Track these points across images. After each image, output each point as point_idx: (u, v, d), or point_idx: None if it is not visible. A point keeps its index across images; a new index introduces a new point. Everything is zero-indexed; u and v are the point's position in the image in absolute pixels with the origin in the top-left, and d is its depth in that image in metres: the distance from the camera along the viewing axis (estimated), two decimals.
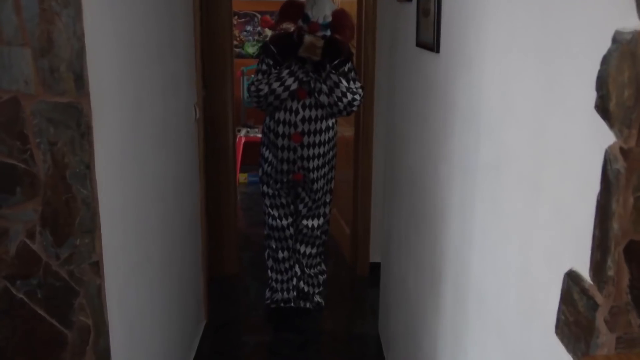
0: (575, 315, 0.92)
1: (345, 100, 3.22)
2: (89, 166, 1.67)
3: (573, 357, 0.93)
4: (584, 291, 0.90)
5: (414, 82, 2.36)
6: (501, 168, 1.32)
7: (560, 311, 0.98)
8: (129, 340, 2.01)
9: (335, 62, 3.25)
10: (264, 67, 3.30)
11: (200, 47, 3.36)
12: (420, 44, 2.19)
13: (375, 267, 4.04)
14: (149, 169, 2.24)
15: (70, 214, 1.69)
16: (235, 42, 5.03)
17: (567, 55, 1.01)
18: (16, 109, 1.63)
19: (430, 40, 2.00)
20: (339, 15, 3.31)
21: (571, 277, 0.94)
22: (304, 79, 3.22)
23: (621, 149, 0.80)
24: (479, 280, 1.50)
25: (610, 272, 0.82)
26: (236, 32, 6.13)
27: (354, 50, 3.86)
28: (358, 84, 3.31)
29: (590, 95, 0.91)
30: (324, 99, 3.24)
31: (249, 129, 6.25)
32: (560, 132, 1.03)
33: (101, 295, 1.76)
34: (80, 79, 1.62)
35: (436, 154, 1.96)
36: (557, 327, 1.00)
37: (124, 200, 1.96)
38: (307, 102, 3.29)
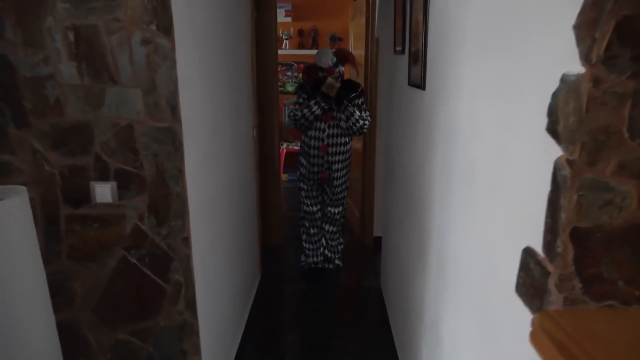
0: (531, 279, 0.88)
1: (357, 125, 3.21)
2: (181, 170, 1.66)
3: (529, 310, 0.89)
4: (538, 263, 0.86)
5: (406, 111, 2.32)
6: (471, 173, 1.28)
7: (519, 276, 0.94)
8: (209, 291, 2.00)
9: (352, 95, 3.24)
10: (300, 100, 3.31)
11: (257, 85, 3.35)
12: (411, 84, 2.15)
13: (378, 240, 4.00)
14: (221, 171, 2.23)
15: (167, 204, 1.69)
16: (279, 83, 5.01)
17: (519, 94, 0.97)
18: (130, 132, 1.63)
19: (418, 81, 1.96)
20: (340, 52, 3.32)
21: (528, 252, 0.90)
22: (325, 107, 3.21)
23: (567, 160, 0.76)
24: (456, 252, 1.45)
25: (559, 250, 0.78)
26: (280, 76, 6.12)
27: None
28: (367, 113, 3.28)
29: (537, 122, 0.87)
30: (342, 124, 3.24)
31: (288, 143, 6.25)
32: (515, 149, 0.99)
33: (189, 260, 1.75)
34: (174, 110, 1.61)
35: (423, 161, 1.92)
36: (517, 287, 0.96)
37: (205, 194, 1.94)
38: (331, 123, 3.28)
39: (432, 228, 1.76)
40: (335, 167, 3.36)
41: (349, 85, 3.26)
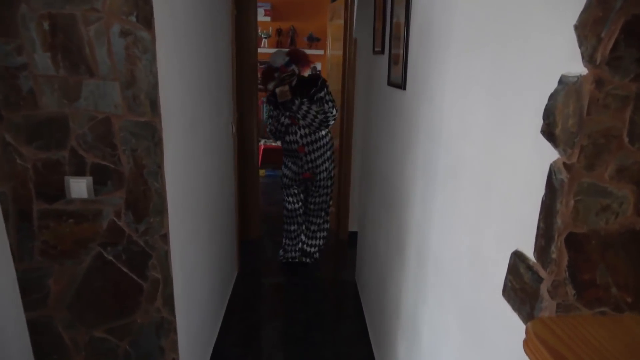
0: (521, 284, 0.83)
1: (316, 121, 3.18)
2: (160, 166, 1.57)
3: (518, 315, 0.84)
4: (529, 267, 0.81)
5: (385, 110, 2.26)
6: (456, 172, 1.23)
7: (507, 279, 0.89)
8: (187, 287, 1.91)
9: (312, 91, 3.18)
10: (270, 112, 3.33)
11: (236, 83, 3.26)
12: (391, 84, 2.09)
13: (353, 234, 3.97)
14: (201, 167, 2.13)
15: (146, 200, 1.59)
16: (258, 81, 4.89)
17: (513, 93, 0.91)
18: (108, 125, 1.52)
19: (399, 81, 1.90)
20: (292, 53, 3.29)
21: (517, 256, 0.86)
22: (290, 114, 3.20)
23: (564, 164, 0.71)
24: (437, 249, 1.40)
25: (554, 255, 0.73)
26: (258, 74, 5.99)
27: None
28: (331, 104, 3.21)
29: (531, 124, 0.82)
30: (302, 122, 3.21)
31: (266, 140, 6.14)
32: (507, 149, 0.94)
33: (168, 257, 1.65)
34: (154, 105, 1.51)
35: (402, 160, 1.86)
36: (504, 290, 0.91)
37: (184, 190, 1.85)
38: (301, 124, 3.25)
39: (411, 225, 1.71)
40: (317, 163, 3.32)
41: (307, 82, 3.23)
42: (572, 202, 0.69)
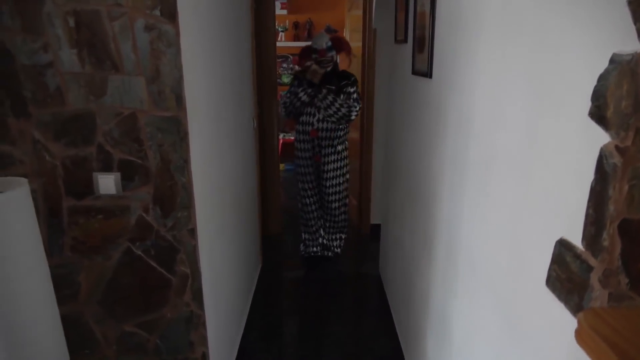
0: (568, 273, 0.80)
1: (339, 113, 3.10)
2: (187, 161, 1.57)
3: (565, 306, 0.81)
4: (577, 256, 0.77)
5: (410, 100, 2.22)
6: (491, 162, 1.19)
7: (551, 269, 0.86)
8: (214, 281, 1.91)
9: (343, 83, 3.14)
10: (292, 88, 3.22)
11: (256, 78, 3.25)
12: (415, 72, 2.05)
13: (375, 228, 3.94)
14: (225, 161, 2.13)
15: (173, 195, 1.59)
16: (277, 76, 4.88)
17: (555, 76, 0.88)
18: (134, 121, 1.52)
19: (424, 69, 1.87)
20: (336, 39, 3.20)
21: (563, 244, 0.82)
22: (312, 94, 3.12)
23: (617, 147, 0.67)
24: (469, 242, 1.37)
25: (605, 243, 0.70)
26: (278, 69, 6.00)
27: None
28: (356, 102, 3.15)
29: (576, 106, 0.79)
30: (322, 113, 3.14)
31: (285, 134, 6.13)
32: (549, 135, 0.90)
33: (196, 252, 1.66)
34: (179, 99, 1.51)
35: (429, 151, 1.83)
36: (547, 281, 0.88)
37: (210, 185, 1.85)
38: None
39: (440, 218, 1.68)
40: (324, 151, 3.26)
41: (341, 75, 3.17)
42: (626, 188, 0.66)
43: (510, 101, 1.07)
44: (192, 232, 1.63)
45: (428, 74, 1.81)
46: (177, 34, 1.46)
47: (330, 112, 3.10)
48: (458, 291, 1.47)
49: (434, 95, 1.76)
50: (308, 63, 3.09)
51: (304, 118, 3.21)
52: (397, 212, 2.57)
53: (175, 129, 1.53)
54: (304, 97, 3.12)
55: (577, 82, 0.79)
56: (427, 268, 1.86)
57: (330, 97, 3.08)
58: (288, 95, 3.19)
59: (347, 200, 3.55)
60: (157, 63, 1.47)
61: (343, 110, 3.09)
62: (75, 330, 1.71)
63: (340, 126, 3.24)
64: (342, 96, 3.11)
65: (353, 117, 3.18)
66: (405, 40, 2.28)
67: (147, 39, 1.45)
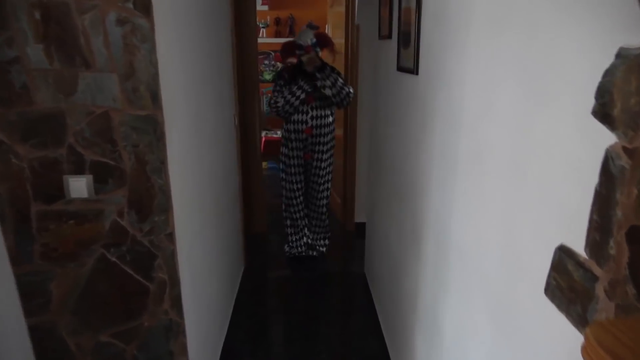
0: (569, 282, 0.75)
1: (343, 92, 3.06)
2: (164, 162, 1.49)
3: (566, 317, 0.76)
4: (579, 264, 0.73)
5: (395, 96, 2.17)
6: (483, 157, 1.14)
7: (550, 277, 0.82)
8: (195, 287, 1.83)
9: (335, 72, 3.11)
10: (278, 87, 3.15)
11: (237, 75, 3.17)
12: (400, 69, 2.00)
13: (360, 225, 3.89)
14: (205, 161, 2.05)
15: (150, 198, 1.51)
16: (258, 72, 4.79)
17: (550, 70, 0.83)
18: (107, 120, 1.44)
19: (410, 65, 1.82)
20: (320, 35, 3.14)
21: (563, 251, 0.78)
22: (308, 89, 3.05)
23: (625, 148, 0.62)
24: (460, 239, 1.32)
25: (612, 251, 0.65)
26: (260, 65, 5.91)
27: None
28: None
29: (574, 103, 0.74)
30: (328, 91, 3.05)
31: (267, 131, 6.04)
32: (543, 132, 0.86)
33: (174, 257, 1.58)
34: (155, 97, 1.43)
35: (416, 147, 1.78)
36: (546, 289, 0.83)
37: (189, 186, 1.77)
38: (314, 105, 3.12)
39: (428, 214, 1.64)
40: (318, 148, 3.22)
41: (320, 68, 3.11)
42: (635, 192, 0.61)
43: (501, 95, 1.03)
44: (170, 236, 1.55)
45: (414, 71, 1.76)
46: (152, 28, 1.37)
47: (335, 90, 3.04)
48: (449, 290, 1.42)
49: (420, 91, 1.72)
50: (304, 57, 3.00)
51: (296, 116, 3.15)
52: (384, 209, 2.52)
53: (152, 129, 1.45)
54: (302, 95, 3.05)
55: (573, 75, 0.75)
56: (415, 265, 1.81)
57: (334, 75, 3.04)
58: (282, 95, 3.09)
59: (329, 200, 3.50)
60: (131, 59, 1.39)
61: (346, 89, 3.07)
62: (48, 342, 1.62)
63: (331, 118, 3.18)
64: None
65: (350, 100, 3.17)
66: (389, 36, 2.22)
67: (119, 33, 1.36)
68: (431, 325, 1.61)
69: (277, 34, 5.94)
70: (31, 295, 1.56)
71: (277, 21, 5.97)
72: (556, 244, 0.80)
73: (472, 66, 1.20)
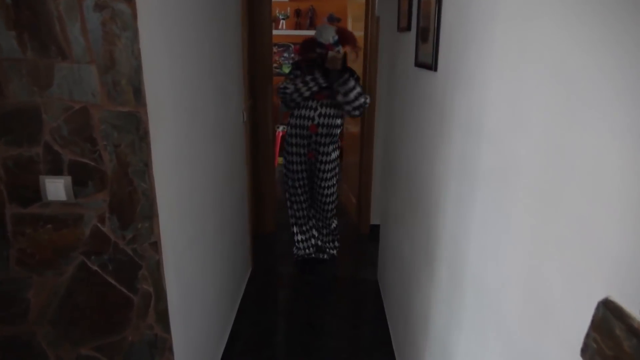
0: (617, 351, 0.57)
1: (357, 102, 2.86)
2: (147, 164, 1.34)
3: None
4: (632, 331, 0.55)
5: (412, 95, 1.98)
6: (508, 175, 0.96)
7: (589, 337, 0.63)
8: (184, 300, 1.69)
9: (356, 76, 2.91)
10: (292, 75, 2.96)
11: (249, 69, 3.02)
12: (419, 64, 1.81)
13: (374, 228, 3.72)
14: (202, 162, 1.90)
15: (132, 203, 1.37)
16: (275, 65, 4.65)
17: (595, 70, 0.64)
18: (86, 117, 1.30)
19: (428, 60, 1.63)
20: (342, 32, 2.94)
21: (609, 308, 0.59)
22: (323, 84, 2.86)
23: None
24: (477, 269, 1.14)
25: None
26: (276, 58, 5.75)
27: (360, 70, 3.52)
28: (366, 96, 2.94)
29: (627, 115, 0.56)
30: (340, 98, 2.87)
31: (284, 126, 5.91)
32: (584, 148, 0.67)
33: (160, 268, 1.44)
34: (138, 92, 1.28)
35: (432, 154, 1.60)
36: (583, 351, 0.65)
37: (180, 190, 1.62)
38: (324, 102, 2.93)
39: (442, 232, 1.46)
40: (323, 149, 3.03)
41: (345, 63, 2.91)
42: None
43: (532, 101, 0.84)
44: (155, 245, 1.41)
45: (432, 66, 1.57)
46: (134, 15, 1.23)
47: (351, 97, 2.85)
48: (462, 322, 1.24)
49: (438, 90, 1.53)
50: (330, 55, 2.80)
51: (303, 112, 2.96)
52: (397, 217, 2.34)
53: (134, 127, 1.31)
54: (314, 87, 2.87)
55: (625, 80, 0.56)
56: (428, 288, 1.63)
57: (352, 82, 2.85)
58: (289, 82, 2.91)
59: (337, 202, 3.32)
60: (110, 49, 1.25)
61: (362, 99, 2.89)
62: (26, 353, 1.51)
63: (340, 121, 3.01)
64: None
65: (362, 111, 2.98)
66: (408, 28, 2.03)
67: (98, 20, 1.22)
68: (442, 354, 1.43)
69: (297, 26, 5.78)
70: (8, 304, 1.45)
71: (298, 13, 5.80)
72: (598, 296, 0.62)
73: (497, 64, 1.01)
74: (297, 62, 3.04)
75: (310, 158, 3.07)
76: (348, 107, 2.90)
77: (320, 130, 2.97)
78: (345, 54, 2.89)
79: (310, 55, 2.94)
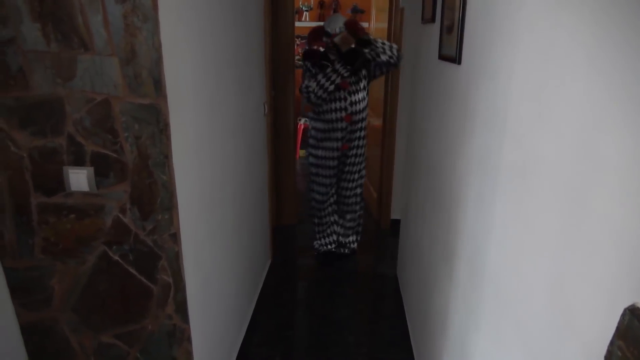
0: None
1: (393, 49, 2.80)
2: (167, 156, 1.35)
3: None
4: None
5: (435, 88, 1.95)
6: (531, 173, 0.93)
7: (614, 344, 0.61)
8: (203, 291, 1.70)
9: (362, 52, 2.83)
10: (307, 71, 2.90)
11: (271, 61, 3.01)
12: (442, 57, 1.77)
13: (395, 222, 3.70)
14: (222, 154, 1.90)
15: (152, 195, 1.38)
16: (298, 57, 4.62)
17: (632, 67, 0.61)
18: (108, 109, 1.32)
19: (452, 53, 1.59)
20: (350, 22, 2.87)
21: (636, 315, 0.57)
22: (345, 74, 2.81)
23: None
24: (496, 268, 1.12)
25: None
26: (299, 49, 5.73)
27: None
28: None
29: None
30: (384, 57, 2.79)
31: (306, 119, 5.91)
32: (616, 149, 0.64)
33: (179, 259, 1.46)
34: (158, 84, 1.29)
35: (454, 151, 1.56)
36: (607, 358, 0.62)
37: (199, 182, 1.63)
38: (350, 89, 2.89)
39: (462, 230, 1.43)
40: (356, 135, 3.01)
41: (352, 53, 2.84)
42: None
43: (561, 98, 0.80)
44: (174, 236, 1.43)
45: (456, 59, 1.53)
46: (155, 6, 1.23)
47: (387, 56, 2.79)
48: (481, 325, 1.22)
49: (461, 84, 1.49)
50: (337, 38, 2.78)
51: (333, 105, 2.90)
52: (418, 212, 2.31)
53: (154, 119, 1.32)
54: (338, 79, 2.80)
55: None
56: (447, 286, 1.61)
57: (379, 42, 2.79)
58: (309, 79, 2.85)
59: (362, 195, 3.30)
60: (131, 41, 1.25)
61: (393, 48, 2.82)
62: (50, 339, 1.55)
63: (365, 103, 2.98)
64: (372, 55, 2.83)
65: (399, 49, 2.90)
66: (432, 20, 1.99)
67: (119, 12, 1.23)
68: (460, 353, 1.41)
69: (321, 18, 5.74)
70: (32, 290, 1.49)
71: (321, 4, 5.76)
72: (625, 302, 0.59)
73: (523, 57, 0.98)
74: (306, 52, 2.94)
75: (344, 149, 3.04)
76: (394, 60, 2.82)
77: (353, 117, 2.95)
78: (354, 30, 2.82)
79: (317, 43, 2.90)
